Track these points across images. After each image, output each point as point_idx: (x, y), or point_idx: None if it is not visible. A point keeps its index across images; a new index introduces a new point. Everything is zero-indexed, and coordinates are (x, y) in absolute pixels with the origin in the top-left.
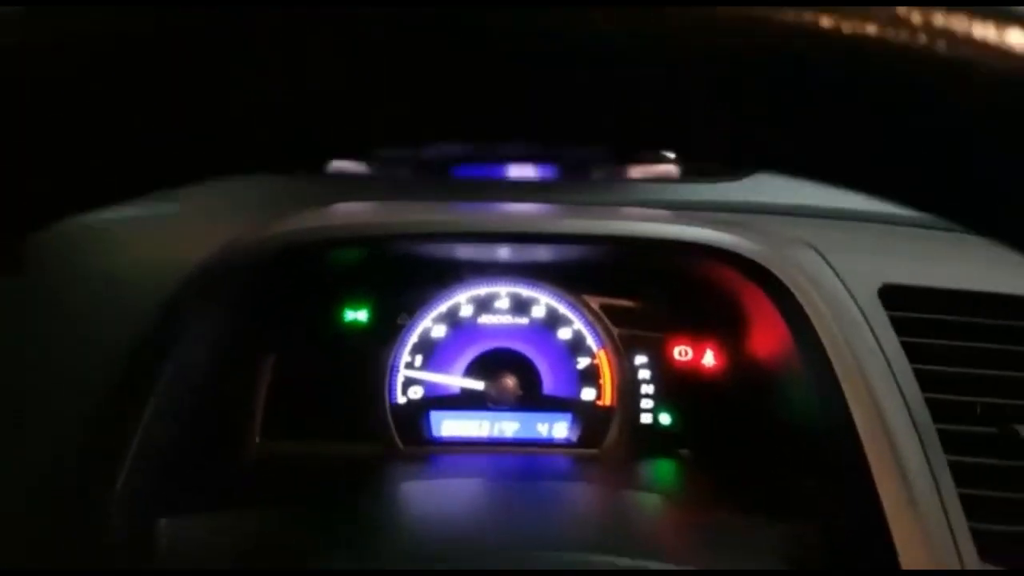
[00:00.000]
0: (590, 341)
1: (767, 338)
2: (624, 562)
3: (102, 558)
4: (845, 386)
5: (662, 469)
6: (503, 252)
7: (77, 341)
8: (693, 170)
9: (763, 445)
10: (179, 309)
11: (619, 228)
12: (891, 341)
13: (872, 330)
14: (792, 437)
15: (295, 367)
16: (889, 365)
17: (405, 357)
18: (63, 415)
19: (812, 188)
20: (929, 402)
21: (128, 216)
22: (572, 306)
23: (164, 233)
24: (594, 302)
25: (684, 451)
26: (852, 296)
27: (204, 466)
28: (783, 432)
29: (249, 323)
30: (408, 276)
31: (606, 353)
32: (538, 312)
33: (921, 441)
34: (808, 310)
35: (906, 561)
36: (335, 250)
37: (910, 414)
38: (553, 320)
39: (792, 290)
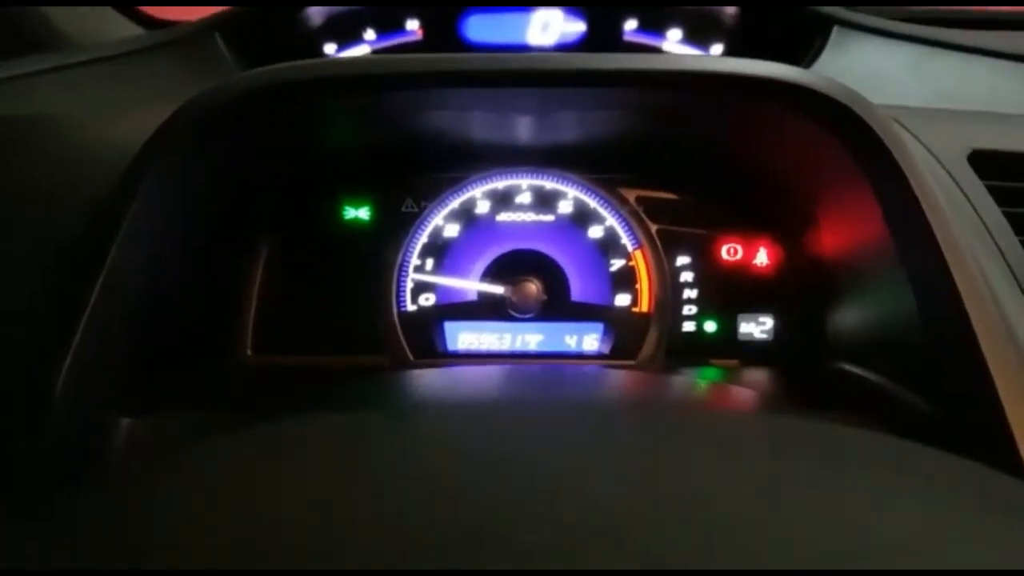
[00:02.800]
0: (624, 240)
1: (841, 224)
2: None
3: (40, 454)
4: (954, 269)
5: (707, 375)
6: (524, 130)
7: (27, 225)
8: (745, 56)
9: (831, 350)
10: (141, 170)
11: (666, 63)
12: (992, 212)
13: (969, 200)
14: (870, 335)
15: (289, 270)
16: (993, 239)
17: (414, 260)
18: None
19: (880, 82)
20: None
21: (71, 110)
22: (604, 200)
23: (118, 117)
24: (629, 195)
25: (732, 362)
26: (942, 165)
27: (183, 372)
28: (856, 332)
29: (230, 200)
30: (414, 165)
31: (643, 253)
32: (565, 207)
33: None
34: (910, 176)
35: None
36: (325, 99)
37: (1022, 291)
38: (582, 216)
39: (888, 145)
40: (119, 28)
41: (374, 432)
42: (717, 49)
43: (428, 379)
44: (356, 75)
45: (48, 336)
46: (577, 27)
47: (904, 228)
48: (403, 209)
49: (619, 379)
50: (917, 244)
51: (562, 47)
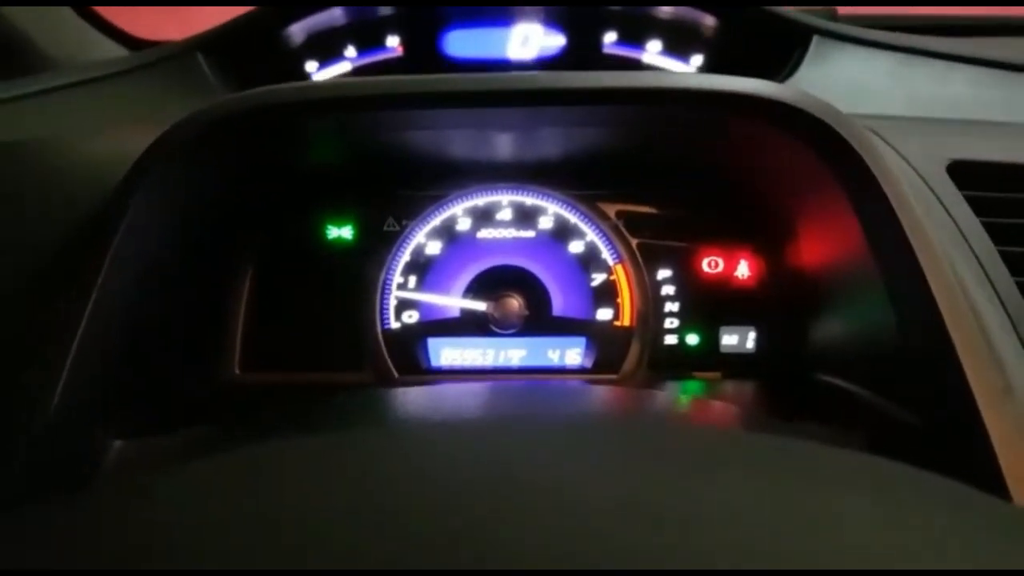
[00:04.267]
0: (605, 254)
1: (821, 235)
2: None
3: (32, 477)
4: (931, 277)
5: (689, 389)
6: (504, 147)
7: (13, 247)
8: (724, 66)
9: (812, 362)
10: (129, 190)
11: (646, 81)
12: (970, 223)
13: (948, 211)
14: (850, 347)
15: (275, 290)
16: (972, 249)
17: (397, 277)
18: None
19: (860, 92)
20: (1021, 286)
21: (56, 132)
22: (584, 215)
23: (104, 139)
24: (610, 209)
25: (714, 375)
26: (921, 176)
27: (171, 391)
28: (836, 344)
29: (215, 225)
30: (396, 183)
31: (624, 268)
32: (545, 223)
33: (1015, 329)
34: (884, 185)
35: (1003, 453)
36: (308, 121)
37: (1001, 301)
38: (563, 231)
39: (864, 157)
40: (101, 49)
41: (356, 450)
42: (697, 60)
43: (411, 396)
44: (341, 97)
45: (39, 360)
46: (557, 41)
47: (881, 238)
48: (385, 228)
49: (598, 395)
50: (894, 254)
51: (543, 61)
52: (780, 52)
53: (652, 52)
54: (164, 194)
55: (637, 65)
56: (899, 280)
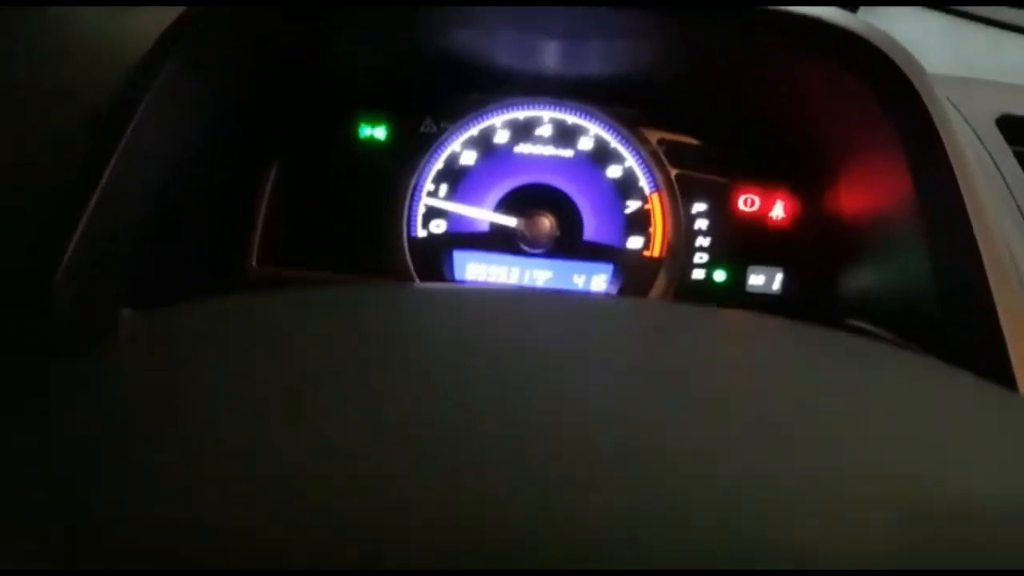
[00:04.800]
0: (643, 182)
1: (864, 179)
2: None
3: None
4: (977, 230)
5: None
6: (548, 58)
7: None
8: None
9: (841, 306)
10: (154, 66)
11: None
12: (1018, 177)
13: (996, 163)
14: (883, 295)
15: (300, 185)
16: (1017, 204)
17: (428, 184)
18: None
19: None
20: None
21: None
22: (625, 139)
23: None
24: (652, 136)
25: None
26: (971, 126)
27: (182, 278)
28: (868, 291)
29: (244, 118)
30: (435, 85)
31: (660, 197)
32: (585, 144)
33: None
34: (942, 133)
35: None
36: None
37: None
38: (602, 154)
39: (928, 107)
40: None
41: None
42: None
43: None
44: None
45: (49, 230)
46: None
47: (932, 189)
48: (421, 130)
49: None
50: (942, 203)
51: None
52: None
53: None
54: (188, 77)
55: None
56: (944, 230)
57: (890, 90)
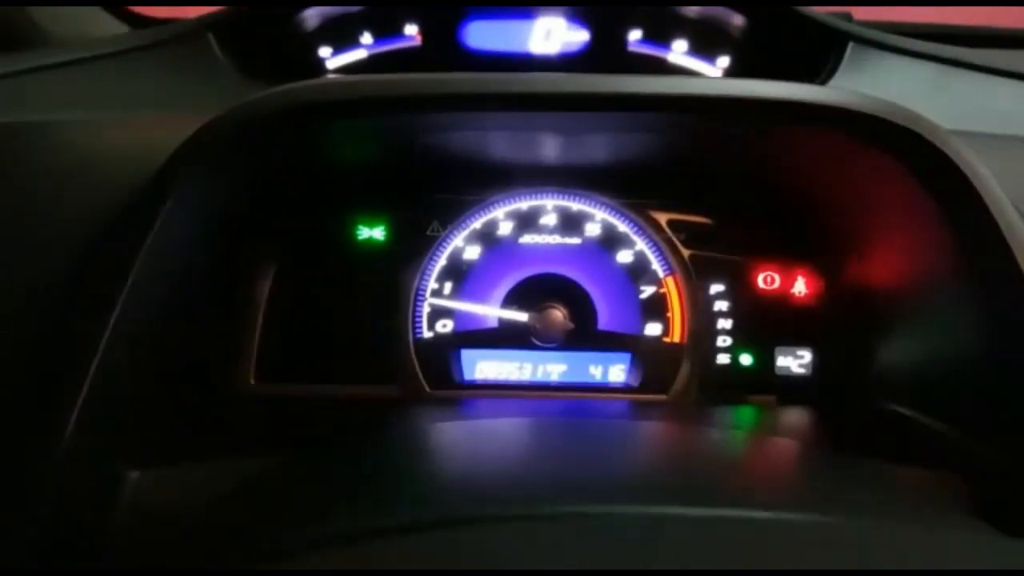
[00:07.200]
0: (655, 265)
1: (894, 249)
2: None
3: (45, 513)
4: None
5: (744, 417)
6: (549, 149)
7: (27, 243)
8: (752, 70)
9: (875, 387)
10: (154, 194)
11: (714, 88)
12: None
13: None
14: (923, 373)
15: (296, 294)
16: None
17: (432, 283)
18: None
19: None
20: None
21: (81, 117)
22: (633, 223)
23: (129, 128)
24: (660, 218)
25: (768, 399)
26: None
27: (184, 410)
28: (905, 369)
29: (239, 226)
30: (433, 183)
31: (675, 280)
32: (592, 230)
33: None
34: (987, 198)
35: None
36: (343, 119)
37: None
38: (610, 240)
39: (966, 172)
40: (104, 26)
41: None
42: (723, 62)
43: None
44: (405, 95)
45: (54, 381)
46: (580, 36)
47: (982, 258)
48: (421, 230)
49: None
50: (997, 276)
51: (565, 57)
52: (812, 57)
53: (678, 52)
54: (193, 200)
55: (662, 65)
56: (1002, 305)
57: (925, 165)
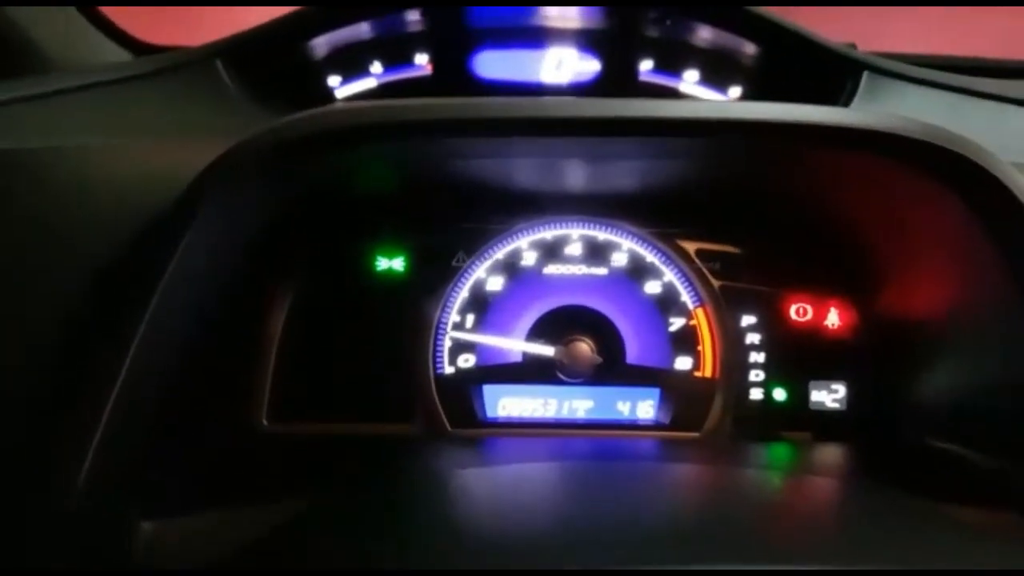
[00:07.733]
0: (685, 297)
1: (935, 278)
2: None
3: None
4: None
5: (780, 455)
6: (574, 177)
7: (39, 276)
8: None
9: (913, 421)
10: (174, 222)
11: (750, 113)
12: None
13: None
14: (964, 406)
15: (312, 328)
16: None
17: (453, 316)
18: (15, 373)
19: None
20: None
21: (100, 143)
22: (662, 252)
23: (149, 153)
24: (690, 248)
25: (804, 435)
26: None
27: (194, 453)
28: (945, 402)
29: (256, 256)
30: (455, 212)
31: (705, 312)
32: (619, 260)
33: None
34: None
35: None
36: (364, 146)
37: None
38: (638, 270)
39: (1014, 191)
40: (103, 52)
41: None
42: (735, 91)
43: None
44: (443, 119)
45: (66, 433)
46: (592, 66)
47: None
48: (443, 260)
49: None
50: None
51: (577, 86)
52: (826, 86)
53: (689, 81)
54: (212, 227)
55: (674, 95)
56: None
57: (978, 193)
